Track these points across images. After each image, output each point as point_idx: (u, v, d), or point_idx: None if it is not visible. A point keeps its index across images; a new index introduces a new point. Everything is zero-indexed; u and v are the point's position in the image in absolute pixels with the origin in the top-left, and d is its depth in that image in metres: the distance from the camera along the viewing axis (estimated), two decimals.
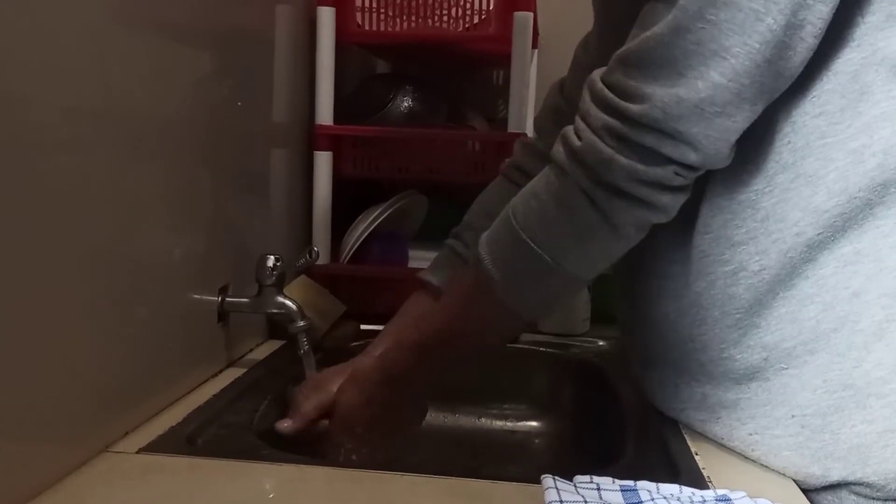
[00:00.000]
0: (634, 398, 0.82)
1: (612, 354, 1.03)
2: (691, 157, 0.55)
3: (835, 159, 0.58)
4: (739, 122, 0.55)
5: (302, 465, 0.63)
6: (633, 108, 0.54)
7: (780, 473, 0.64)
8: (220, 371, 0.86)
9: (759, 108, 0.56)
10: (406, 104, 1.16)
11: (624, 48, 0.57)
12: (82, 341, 0.59)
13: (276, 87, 0.99)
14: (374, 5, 1.09)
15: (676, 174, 0.56)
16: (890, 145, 0.57)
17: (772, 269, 0.60)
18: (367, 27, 1.10)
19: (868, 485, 0.60)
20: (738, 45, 0.52)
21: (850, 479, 0.61)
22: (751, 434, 0.65)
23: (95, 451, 0.62)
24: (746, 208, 0.61)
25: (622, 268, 0.71)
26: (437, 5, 1.09)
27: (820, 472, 0.62)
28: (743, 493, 0.57)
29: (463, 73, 1.45)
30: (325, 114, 1.09)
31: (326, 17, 1.07)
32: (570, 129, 0.59)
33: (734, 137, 0.56)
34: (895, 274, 0.58)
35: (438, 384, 0.76)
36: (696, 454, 0.67)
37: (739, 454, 0.67)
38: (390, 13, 1.09)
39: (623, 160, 0.55)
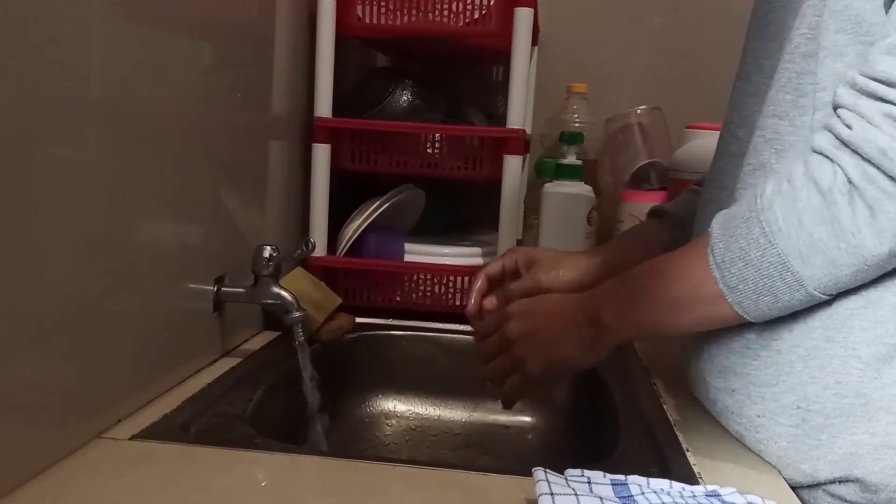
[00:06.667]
0: (627, 396, 0.83)
1: None
2: None
3: None
4: None
5: (294, 455, 0.63)
6: None
7: (770, 470, 0.65)
8: (215, 360, 0.87)
9: None
10: (405, 99, 1.17)
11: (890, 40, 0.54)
12: (78, 328, 0.60)
13: (275, 79, 0.99)
14: None
15: None
16: None
17: None
18: (367, 20, 1.10)
19: (853, 480, 0.60)
20: None
21: (832, 479, 0.61)
22: (759, 416, 0.65)
23: (88, 437, 0.62)
24: None
25: None
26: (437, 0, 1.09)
27: (810, 470, 0.62)
28: (733, 489, 0.57)
29: (463, 68, 1.45)
30: (324, 106, 1.09)
31: (327, 10, 1.06)
32: (835, 121, 0.56)
33: None
34: None
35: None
36: (688, 450, 0.68)
37: (730, 452, 0.67)
38: (391, 6, 1.09)
39: None
